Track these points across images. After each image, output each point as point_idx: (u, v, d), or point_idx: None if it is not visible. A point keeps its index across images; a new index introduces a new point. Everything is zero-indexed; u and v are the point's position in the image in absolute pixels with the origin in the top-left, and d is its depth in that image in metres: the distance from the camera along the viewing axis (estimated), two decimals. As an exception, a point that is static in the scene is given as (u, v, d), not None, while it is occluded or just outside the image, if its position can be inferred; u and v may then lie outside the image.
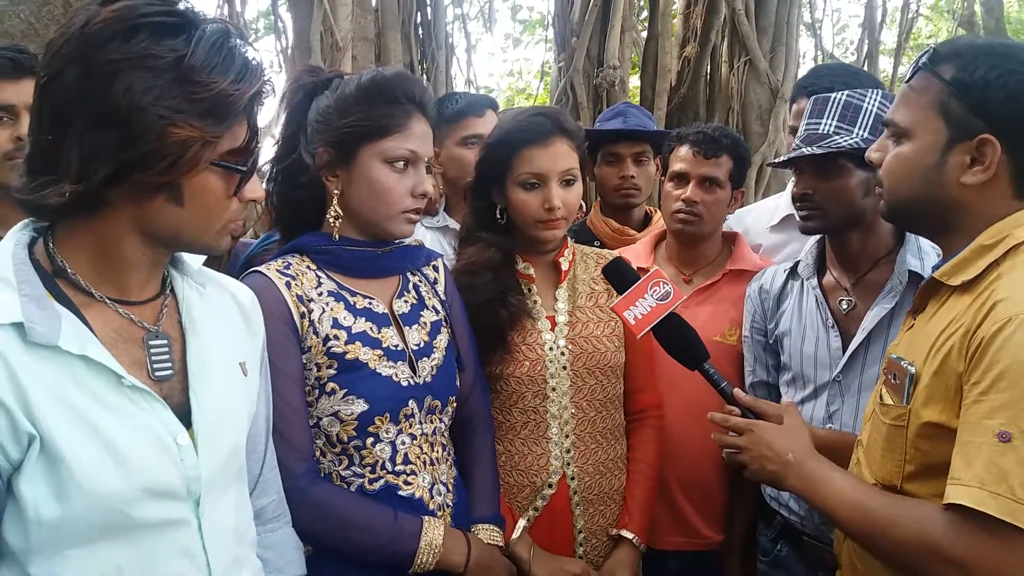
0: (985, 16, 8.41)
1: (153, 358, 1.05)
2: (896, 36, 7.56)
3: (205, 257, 1.19)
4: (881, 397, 1.29)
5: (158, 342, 1.06)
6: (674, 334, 1.52)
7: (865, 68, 6.87)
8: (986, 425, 1.06)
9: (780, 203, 2.51)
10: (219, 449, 1.08)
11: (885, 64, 8.39)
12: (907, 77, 1.28)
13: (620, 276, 1.60)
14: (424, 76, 5.06)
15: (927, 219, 1.29)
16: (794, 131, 2.27)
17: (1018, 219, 1.18)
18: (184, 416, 1.05)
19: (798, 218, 1.78)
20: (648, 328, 1.50)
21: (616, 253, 1.95)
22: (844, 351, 1.71)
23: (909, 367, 1.22)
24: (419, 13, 5.02)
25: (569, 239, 1.87)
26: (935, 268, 1.33)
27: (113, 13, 0.94)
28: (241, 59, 1.00)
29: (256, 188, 1.09)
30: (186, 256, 1.15)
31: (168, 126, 0.94)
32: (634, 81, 6.58)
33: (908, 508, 1.18)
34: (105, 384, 0.98)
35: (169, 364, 1.06)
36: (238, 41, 1.01)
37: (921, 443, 1.20)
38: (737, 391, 1.47)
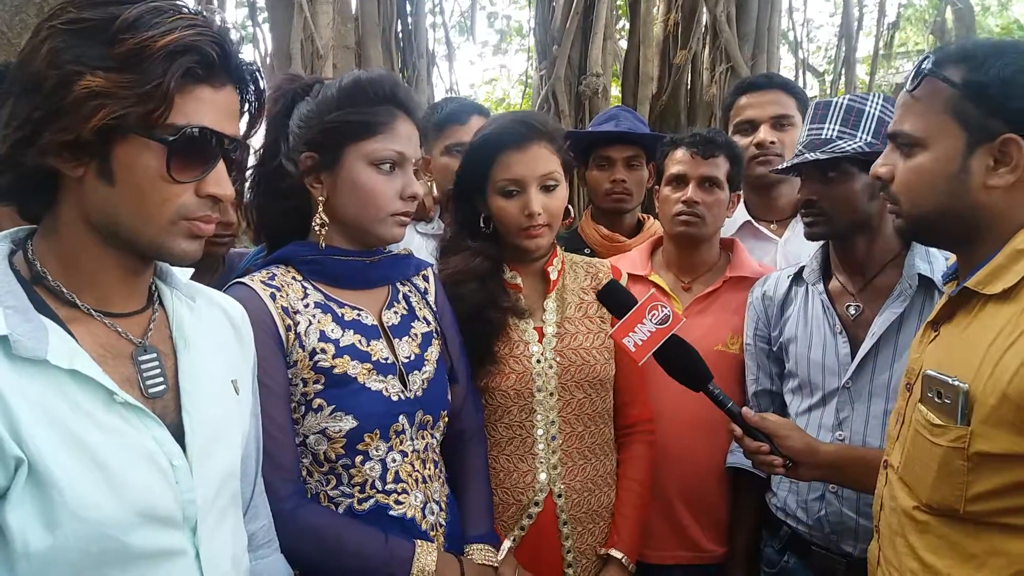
0: (956, 24, 8.53)
1: (145, 374, 0.99)
2: (872, 44, 7.64)
3: (192, 270, 1.13)
4: (926, 417, 1.19)
5: (147, 357, 1.00)
6: (676, 357, 1.48)
7: (842, 76, 6.94)
8: None
9: (737, 209, 2.51)
10: (214, 471, 1.03)
11: (861, 72, 8.49)
12: (909, 87, 1.23)
13: (616, 300, 1.55)
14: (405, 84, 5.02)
15: (950, 230, 1.23)
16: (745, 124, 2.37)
17: None
18: (177, 437, 0.99)
19: (803, 224, 1.76)
20: (650, 354, 1.45)
21: (606, 263, 1.91)
22: (853, 357, 1.68)
23: (960, 384, 1.13)
24: (399, 21, 4.99)
25: (558, 247, 1.82)
26: (947, 275, 1.29)
27: None
28: (184, 20, 0.92)
29: (220, 183, 0.98)
30: (174, 268, 1.09)
31: (77, 79, 0.88)
32: (615, 91, 6.58)
33: None
34: (96, 401, 0.91)
35: (162, 380, 1.00)
36: (191, 11, 0.94)
37: (989, 464, 1.10)
38: (745, 411, 1.43)
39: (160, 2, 0.92)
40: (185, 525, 0.98)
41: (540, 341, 1.71)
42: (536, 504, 1.67)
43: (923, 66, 1.20)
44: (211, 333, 1.12)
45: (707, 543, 1.99)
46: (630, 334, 1.45)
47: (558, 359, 1.70)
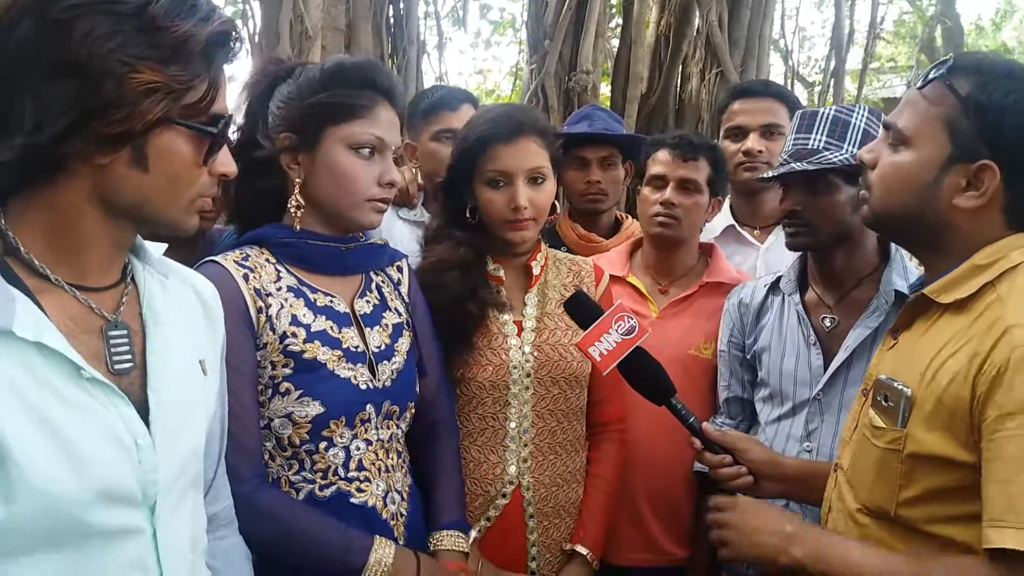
0: (945, 43, 8.60)
1: (112, 350, 0.97)
2: (862, 57, 7.70)
3: (166, 246, 1.12)
4: (871, 419, 1.23)
5: (117, 332, 0.98)
6: (640, 369, 1.47)
7: (831, 87, 6.98)
8: None
9: (721, 213, 2.52)
10: (177, 451, 1.01)
11: (849, 85, 8.54)
12: (919, 84, 1.21)
13: (582, 310, 1.54)
14: (395, 71, 4.97)
15: (911, 233, 1.25)
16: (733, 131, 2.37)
17: (1015, 241, 1.15)
18: (142, 415, 0.97)
19: (785, 234, 1.76)
20: (614, 364, 1.45)
21: (589, 261, 1.90)
22: (825, 369, 1.69)
23: (904, 389, 1.17)
24: (391, 6, 4.93)
25: (543, 243, 1.82)
26: (914, 286, 1.30)
27: None
28: (206, 8, 0.95)
29: (228, 162, 1.03)
30: (148, 244, 1.08)
31: (129, 72, 0.87)
32: (605, 90, 6.57)
33: (940, 564, 1.10)
34: (62, 376, 0.89)
35: (129, 357, 0.98)
36: (211, 3, 0.96)
37: (920, 468, 1.14)
38: (705, 425, 1.44)
39: None
40: (144, 504, 0.96)
41: (519, 335, 1.71)
42: (504, 496, 1.67)
43: (938, 69, 1.18)
44: (181, 311, 1.10)
45: (669, 546, 2.00)
46: (596, 343, 1.45)
47: (535, 354, 1.69)
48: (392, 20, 4.99)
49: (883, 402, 1.21)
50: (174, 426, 1.01)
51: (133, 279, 1.05)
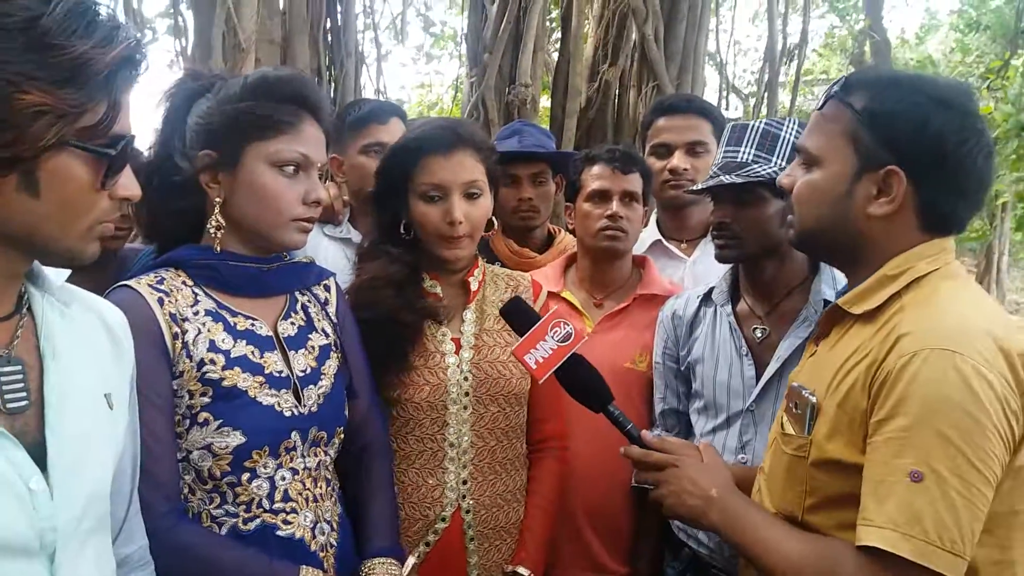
0: (874, 56, 8.91)
1: (5, 387, 0.90)
2: (794, 70, 7.91)
3: (69, 272, 1.05)
4: (783, 426, 1.27)
5: (10, 368, 0.91)
6: (577, 377, 1.45)
7: (765, 99, 7.15)
8: (897, 464, 1.05)
9: (649, 227, 2.53)
10: (78, 495, 0.94)
11: (783, 97, 8.77)
12: (819, 104, 1.28)
13: (520, 317, 1.51)
14: (332, 84, 4.90)
15: (834, 248, 1.28)
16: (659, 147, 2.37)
17: (922, 252, 1.19)
18: (39, 457, 0.90)
19: (714, 246, 1.76)
20: (550, 372, 1.43)
21: (527, 276, 1.88)
22: (758, 380, 1.69)
23: (811, 397, 1.21)
24: (329, 19, 4.87)
25: (480, 258, 1.79)
26: (840, 294, 1.33)
27: None
28: (108, 26, 0.89)
29: (130, 185, 0.96)
30: (48, 270, 1.01)
31: (14, 92, 0.81)
32: (545, 103, 6.62)
33: (820, 549, 1.15)
34: None
35: (24, 394, 0.92)
36: (106, 10, 0.90)
37: (821, 475, 1.18)
38: (644, 433, 1.43)
39: None
40: (42, 553, 0.89)
41: (456, 352, 1.67)
42: (443, 519, 1.63)
43: (833, 88, 1.25)
44: (84, 342, 1.03)
45: (610, 562, 1.99)
46: (531, 351, 1.42)
47: (474, 372, 1.66)
48: (330, 33, 4.92)
49: (794, 409, 1.25)
50: (75, 467, 0.94)
51: (30, 309, 0.98)
